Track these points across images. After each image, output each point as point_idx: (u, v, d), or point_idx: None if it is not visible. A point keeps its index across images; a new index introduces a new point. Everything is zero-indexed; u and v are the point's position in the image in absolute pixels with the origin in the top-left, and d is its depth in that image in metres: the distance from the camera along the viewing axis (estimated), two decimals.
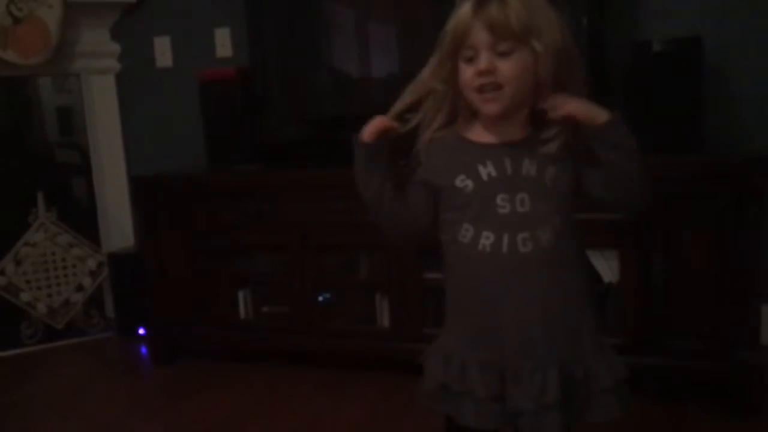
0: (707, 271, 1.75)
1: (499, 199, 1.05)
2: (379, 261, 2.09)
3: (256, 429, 1.87)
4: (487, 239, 1.05)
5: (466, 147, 1.08)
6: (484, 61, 1.00)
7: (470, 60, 1.02)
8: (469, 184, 1.06)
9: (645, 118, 1.86)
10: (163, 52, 2.76)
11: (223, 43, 2.65)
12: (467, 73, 1.03)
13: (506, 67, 1.00)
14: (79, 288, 2.77)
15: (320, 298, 2.17)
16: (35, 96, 2.76)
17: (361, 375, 2.12)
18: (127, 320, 2.66)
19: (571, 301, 1.09)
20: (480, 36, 1.00)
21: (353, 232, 2.06)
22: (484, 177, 1.06)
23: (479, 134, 1.08)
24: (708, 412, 1.77)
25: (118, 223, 2.84)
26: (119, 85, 2.82)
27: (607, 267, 1.85)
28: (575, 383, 1.06)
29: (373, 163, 1.11)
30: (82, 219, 2.80)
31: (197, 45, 2.68)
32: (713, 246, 1.73)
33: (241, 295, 2.26)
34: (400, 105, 1.11)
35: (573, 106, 1.01)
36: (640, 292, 1.81)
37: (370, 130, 1.10)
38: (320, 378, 2.15)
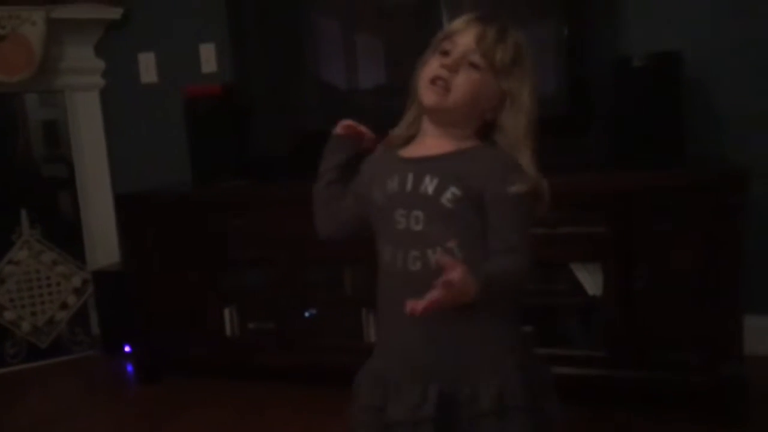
0: (690, 284, 1.76)
1: (397, 214, 1.06)
2: (365, 276, 2.09)
3: None
4: (387, 253, 1.08)
5: (388, 159, 1.11)
6: (453, 58, 1.03)
7: (444, 54, 1.04)
8: (380, 197, 1.09)
9: (626, 132, 1.89)
10: (147, 68, 2.76)
11: (208, 58, 2.66)
12: (433, 63, 1.05)
13: (464, 77, 1.03)
14: (64, 306, 2.75)
15: (306, 314, 2.16)
16: (21, 110, 2.75)
17: (348, 391, 2.10)
18: (112, 338, 2.64)
19: (463, 323, 1.04)
20: (466, 39, 1.03)
21: (339, 248, 2.05)
22: (389, 191, 1.08)
23: (410, 149, 1.11)
24: (692, 424, 1.77)
25: (104, 239, 2.82)
26: (104, 102, 2.82)
27: (590, 280, 1.87)
28: (458, 403, 1.05)
29: (331, 152, 1.20)
30: (67, 235, 2.78)
31: (182, 61, 2.69)
32: (695, 258, 1.75)
33: (227, 311, 2.25)
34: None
35: (445, 291, 0.92)
36: (623, 305, 1.82)
37: (343, 123, 1.18)
38: (307, 394, 2.14)
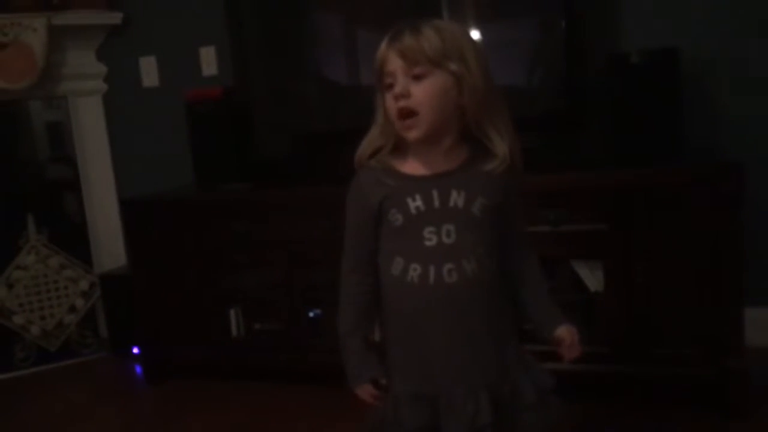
0: (691, 278, 1.78)
1: (426, 231, 1.08)
2: None
3: None
4: (414, 271, 1.09)
5: (392, 180, 1.11)
6: (399, 85, 1.05)
7: (390, 87, 1.06)
8: (399, 217, 1.09)
9: (624, 128, 1.90)
10: (148, 72, 2.78)
11: (209, 61, 2.68)
12: (389, 100, 1.07)
13: (419, 91, 1.04)
14: (72, 309, 2.78)
15: (311, 314, 2.18)
16: (24, 114, 2.77)
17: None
18: (120, 340, 2.67)
19: (494, 324, 1.12)
20: (394, 63, 1.05)
21: (340, 249, 2.08)
22: (413, 210, 1.08)
23: (411, 166, 1.11)
24: (696, 418, 1.79)
25: (110, 243, 2.85)
26: (107, 106, 2.84)
27: (592, 277, 1.88)
28: (503, 403, 1.10)
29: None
30: (74, 239, 2.81)
31: (183, 64, 2.70)
32: (696, 253, 1.76)
33: (232, 313, 2.27)
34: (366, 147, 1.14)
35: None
36: (625, 301, 1.83)
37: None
38: (313, 394, 2.16)
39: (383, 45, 1.07)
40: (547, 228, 1.86)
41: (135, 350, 2.61)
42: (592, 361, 1.87)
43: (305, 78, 2.39)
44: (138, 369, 2.54)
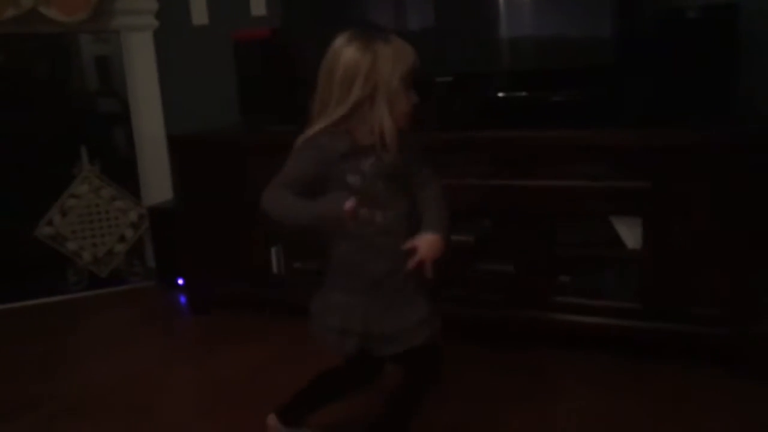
0: (724, 242, 1.77)
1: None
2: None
3: (287, 375, 1.96)
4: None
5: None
6: (415, 96, 1.32)
7: (408, 88, 1.30)
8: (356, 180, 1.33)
9: (678, 87, 1.86)
10: (198, 9, 2.80)
11: (258, 1, 2.68)
12: (406, 99, 1.30)
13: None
14: (122, 239, 2.91)
15: None
16: (75, 47, 2.83)
17: None
18: (166, 271, 2.79)
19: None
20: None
21: None
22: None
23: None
24: (719, 377, 1.82)
25: (158, 177, 2.94)
26: (157, 42, 2.88)
27: (630, 234, 1.88)
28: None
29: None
30: (124, 172, 2.92)
31: (232, 3, 2.71)
32: (731, 217, 1.75)
33: (273, 250, 2.35)
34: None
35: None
36: (660, 260, 1.84)
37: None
38: None
39: (412, 53, 1.30)
40: (586, 182, 1.87)
41: (180, 281, 2.73)
42: (622, 316, 1.91)
43: (352, 20, 2.38)
44: (182, 299, 2.66)
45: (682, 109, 1.84)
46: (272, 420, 1.55)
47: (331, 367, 1.51)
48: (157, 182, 2.94)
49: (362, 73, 1.27)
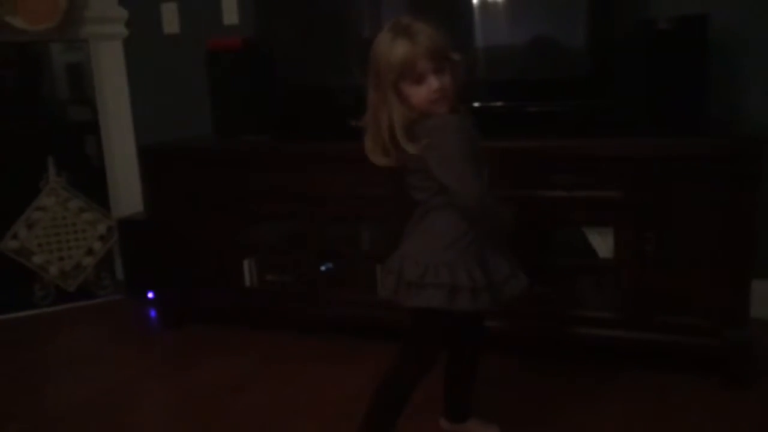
0: (699, 250, 1.78)
1: None
2: (381, 233, 2.13)
3: (259, 393, 1.94)
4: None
5: None
6: (435, 82, 1.30)
7: (419, 80, 1.30)
8: None
9: (647, 96, 1.87)
10: (169, 18, 2.77)
11: (230, 10, 2.66)
12: (422, 92, 1.31)
13: (446, 81, 1.32)
14: (90, 252, 2.84)
15: (323, 268, 2.22)
16: (45, 55, 2.78)
17: (361, 342, 2.18)
18: (136, 284, 2.73)
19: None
20: (425, 64, 1.30)
21: (357, 205, 2.10)
22: None
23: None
24: (699, 386, 1.82)
25: (128, 188, 2.89)
26: (127, 51, 2.84)
27: (602, 243, 1.89)
28: None
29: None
30: (93, 183, 2.86)
31: (204, 11, 2.69)
32: (707, 225, 1.76)
33: (246, 263, 2.31)
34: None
35: None
36: (634, 269, 1.84)
37: None
38: (322, 345, 2.21)
39: (408, 47, 1.29)
40: (561, 192, 1.87)
41: (150, 295, 2.67)
42: (600, 326, 1.91)
43: (328, 29, 2.37)
44: (152, 313, 2.60)
45: (655, 119, 1.86)
46: None
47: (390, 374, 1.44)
48: (127, 193, 2.89)
49: (372, 71, 1.35)
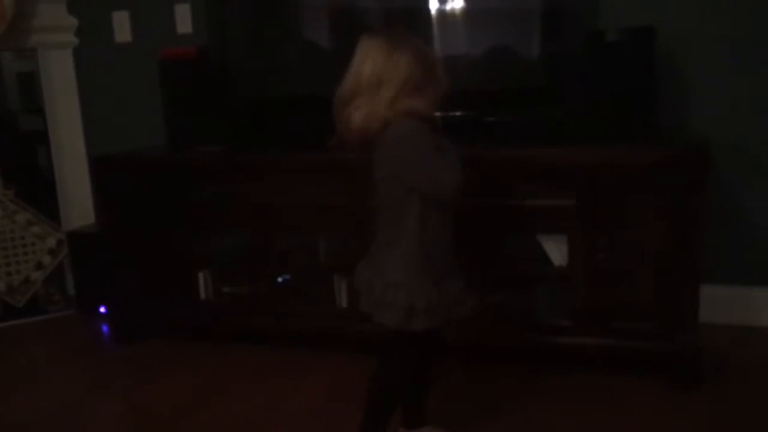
0: (651, 256, 1.82)
1: None
2: (338, 244, 2.12)
3: (217, 408, 1.90)
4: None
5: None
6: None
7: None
8: None
9: (597, 106, 1.91)
10: (121, 27, 2.72)
11: (183, 19, 2.62)
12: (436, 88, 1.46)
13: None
14: (39, 266, 2.76)
15: (280, 279, 2.19)
16: None
17: (319, 354, 2.16)
18: (88, 299, 2.66)
19: None
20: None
21: (313, 215, 2.09)
22: None
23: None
24: (651, 389, 1.85)
25: (79, 200, 2.82)
26: (77, 60, 2.78)
27: (557, 251, 1.91)
28: None
29: None
30: (43, 195, 2.78)
31: (157, 20, 2.64)
32: (657, 232, 1.80)
33: (201, 275, 2.27)
34: None
35: None
36: (587, 276, 1.87)
37: None
38: (280, 357, 2.19)
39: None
40: (515, 201, 1.89)
41: (102, 309, 2.61)
42: (554, 332, 1.93)
43: (284, 38, 2.35)
44: (105, 328, 2.53)
45: (605, 128, 1.89)
46: None
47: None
48: (79, 205, 2.81)
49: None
